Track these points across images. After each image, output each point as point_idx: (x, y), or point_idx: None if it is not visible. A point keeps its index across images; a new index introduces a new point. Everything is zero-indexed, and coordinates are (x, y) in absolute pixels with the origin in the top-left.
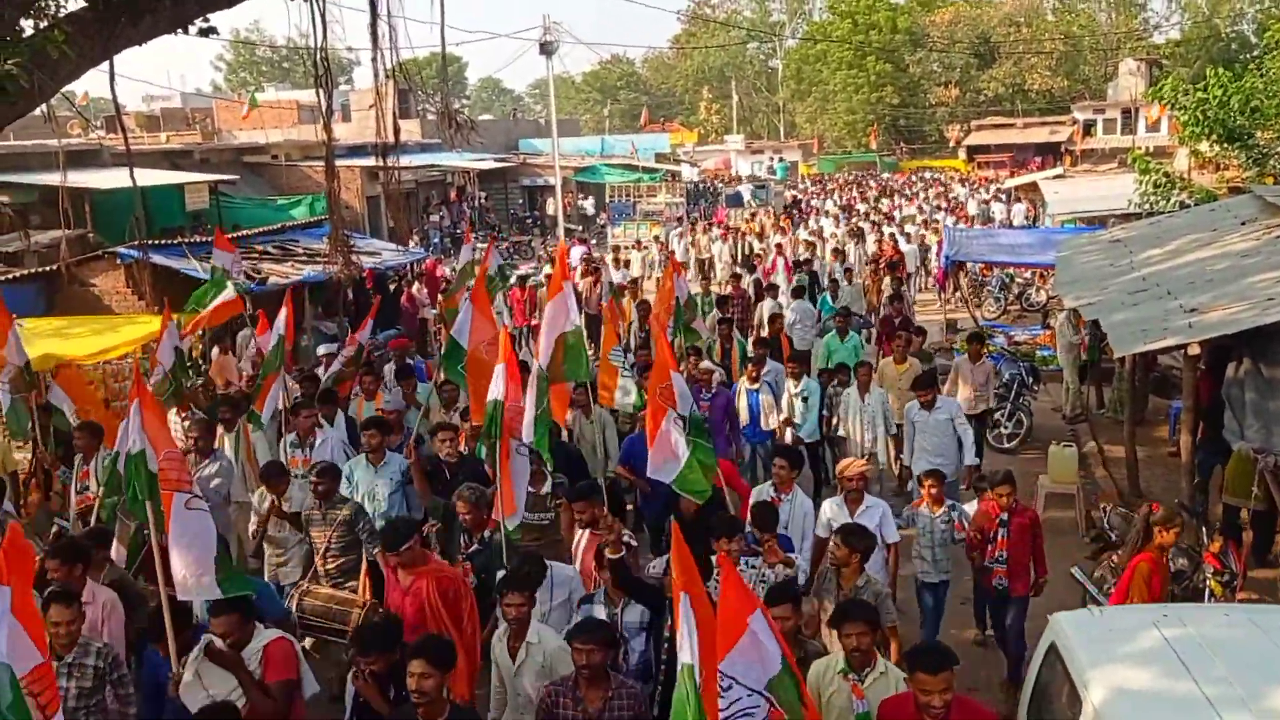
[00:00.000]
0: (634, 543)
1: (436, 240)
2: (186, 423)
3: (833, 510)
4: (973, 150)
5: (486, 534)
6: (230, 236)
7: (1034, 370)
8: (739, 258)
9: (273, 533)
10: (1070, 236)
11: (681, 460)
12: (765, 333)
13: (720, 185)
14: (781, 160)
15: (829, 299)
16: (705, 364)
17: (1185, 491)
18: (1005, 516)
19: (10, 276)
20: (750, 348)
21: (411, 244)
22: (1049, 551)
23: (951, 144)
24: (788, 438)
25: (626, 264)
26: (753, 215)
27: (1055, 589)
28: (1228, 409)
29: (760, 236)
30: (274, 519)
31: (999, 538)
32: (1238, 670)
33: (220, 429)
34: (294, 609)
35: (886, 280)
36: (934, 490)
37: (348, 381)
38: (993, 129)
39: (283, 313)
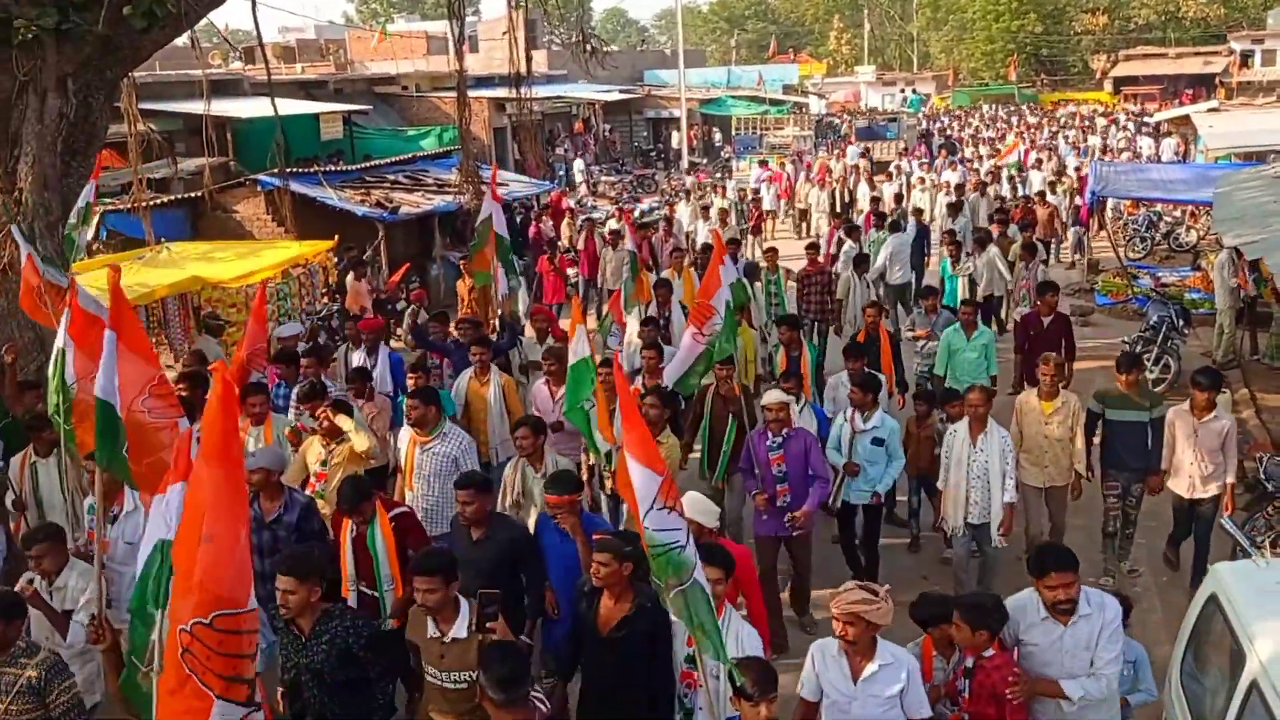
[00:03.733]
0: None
1: (563, 172)
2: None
3: (823, 664)
4: (1119, 82)
5: None
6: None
7: (1184, 312)
8: (838, 206)
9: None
10: (1229, 172)
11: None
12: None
13: (848, 117)
14: (915, 93)
15: (949, 267)
16: (774, 394)
17: None
18: (970, 664)
19: (159, 201)
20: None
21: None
22: None
23: (1097, 75)
24: (851, 497)
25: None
26: (865, 153)
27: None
28: None
29: (871, 182)
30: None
31: (961, 693)
32: None
33: None
34: None
35: (1015, 247)
36: (952, 633)
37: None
38: (1142, 59)
39: (65, 315)
